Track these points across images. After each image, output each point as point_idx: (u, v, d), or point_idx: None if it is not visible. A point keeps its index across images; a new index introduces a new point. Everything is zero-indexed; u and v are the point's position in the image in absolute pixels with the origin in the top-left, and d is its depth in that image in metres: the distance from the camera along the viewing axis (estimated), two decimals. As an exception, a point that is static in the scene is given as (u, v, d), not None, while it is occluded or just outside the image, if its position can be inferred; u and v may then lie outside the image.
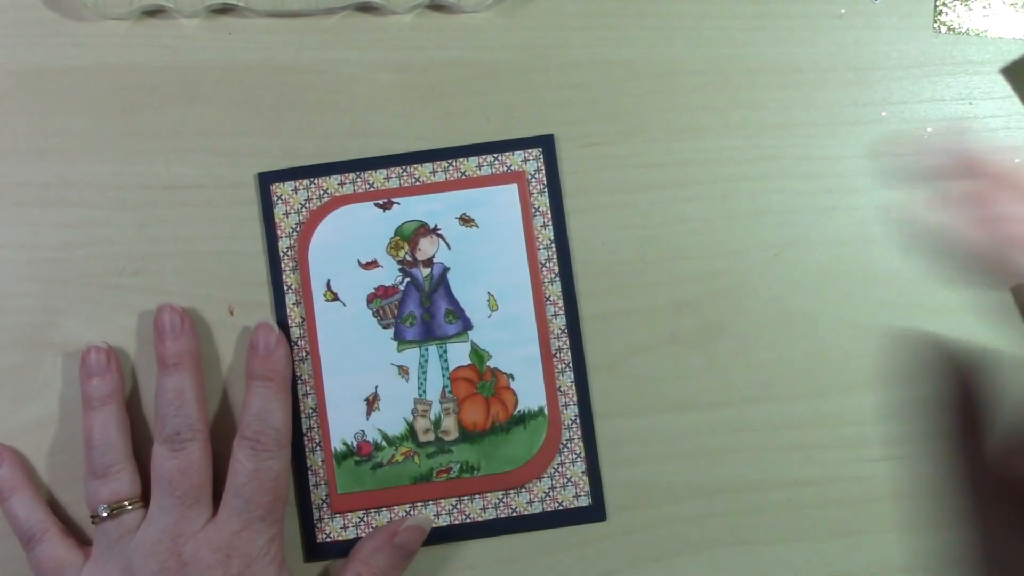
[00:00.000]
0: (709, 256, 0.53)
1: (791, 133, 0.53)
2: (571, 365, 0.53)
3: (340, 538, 0.52)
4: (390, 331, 0.52)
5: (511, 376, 0.52)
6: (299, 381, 0.53)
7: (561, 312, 0.53)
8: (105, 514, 0.49)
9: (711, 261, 0.53)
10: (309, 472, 0.53)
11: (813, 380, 0.52)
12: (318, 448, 0.52)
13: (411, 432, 0.52)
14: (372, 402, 0.52)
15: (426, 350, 0.52)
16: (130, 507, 0.49)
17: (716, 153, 0.53)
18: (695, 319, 0.53)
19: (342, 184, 0.53)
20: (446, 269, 0.52)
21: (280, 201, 0.53)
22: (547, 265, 0.53)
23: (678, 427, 0.52)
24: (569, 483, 0.52)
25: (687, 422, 0.52)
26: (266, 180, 0.53)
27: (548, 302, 0.53)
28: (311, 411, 0.53)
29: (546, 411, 0.52)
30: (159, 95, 0.54)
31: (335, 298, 0.52)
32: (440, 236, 0.52)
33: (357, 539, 0.52)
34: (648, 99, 0.53)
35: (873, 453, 0.52)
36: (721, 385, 0.53)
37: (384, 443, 0.52)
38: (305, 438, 0.53)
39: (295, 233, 0.53)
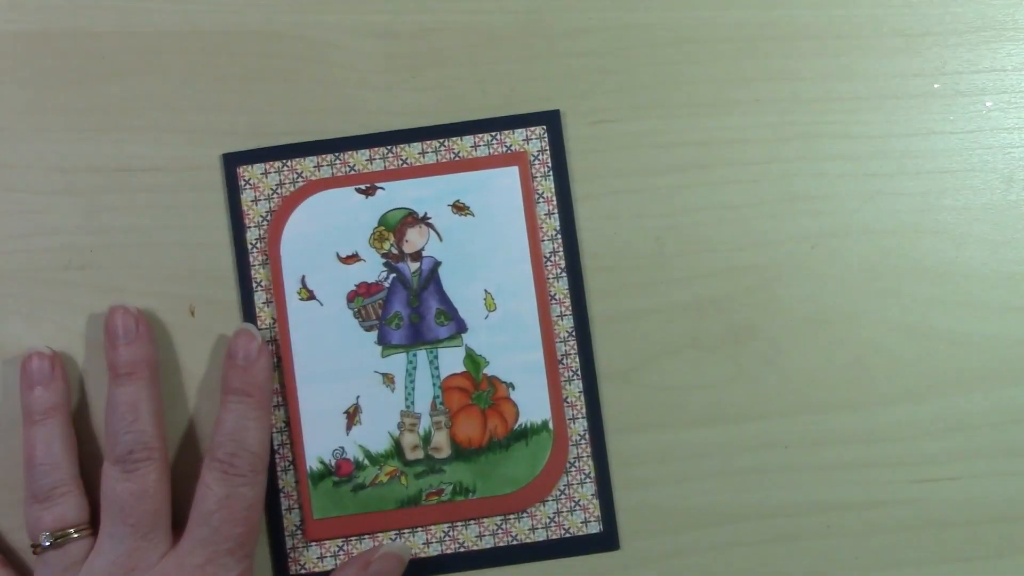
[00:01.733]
0: (736, 249, 0.50)
1: (830, 108, 0.51)
2: (579, 372, 0.50)
3: (316, 569, 0.49)
4: (374, 334, 0.49)
5: (511, 385, 0.49)
6: None
7: (568, 312, 0.50)
8: (48, 543, 0.46)
9: (738, 254, 0.50)
10: (281, 495, 0.50)
11: (855, 390, 0.50)
12: (291, 467, 0.50)
13: (397, 449, 0.49)
14: (353, 415, 0.49)
15: (414, 356, 0.49)
16: (76, 535, 0.46)
17: (745, 131, 0.51)
18: (720, 321, 0.50)
19: (319, 167, 0.50)
20: (437, 263, 0.50)
21: (248, 186, 0.50)
22: (552, 259, 0.50)
23: (700, 444, 0.50)
24: (577, 507, 0.49)
25: (711, 438, 0.50)
26: (232, 162, 0.50)
27: (553, 301, 0.50)
28: (283, 425, 0.50)
29: (551, 425, 0.49)
30: (110, 65, 0.51)
31: (311, 296, 0.49)
32: (430, 226, 0.50)
33: (332, 571, 0.49)
34: (667, 69, 0.51)
35: (924, 473, 0.50)
36: (750, 396, 0.50)
37: (366, 461, 0.49)
38: (276, 456, 0.50)
39: (265, 223, 0.50)
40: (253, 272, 0.50)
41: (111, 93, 0.51)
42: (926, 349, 0.50)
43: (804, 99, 0.51)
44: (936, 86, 0.51)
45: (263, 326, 0.50)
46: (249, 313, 0.50)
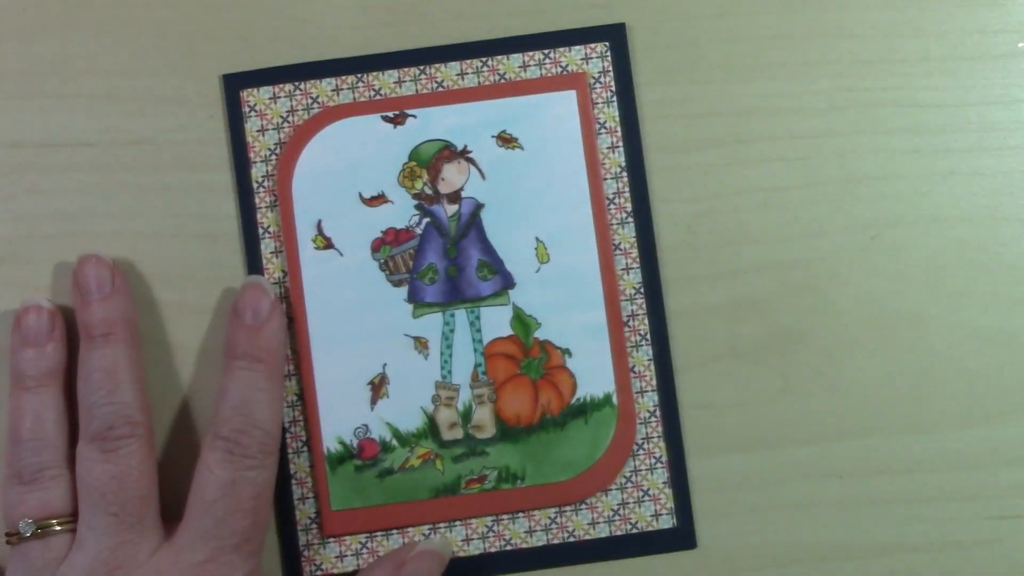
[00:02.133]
0: (781, 239, 0.49)
1: (894, 71, 0.49)
2: (649, 336, 0.48)
3: (335, 571, 0.48)
4: (403, 290, 0.48)
5: (567, 351, 0.48)
6: None
7: (636, 264, 0.48)
8: (28, 533, 0.44)
9: (784, 247, 0.49)
10: (293, 482, 0.48)
11: (923, 408, 0.49)
12: (304, 449, 0.48)
13: (432, 427, 0.48)
14: (379, 387, 0.48)
15: (452, 316, 0.48)
16: (59, 527, 0.45)
17: (792, 99, 0.49)
18: (762, 325, 0.49)
19: (338, 90, 0.49)
20: (479, 206, 0.48)
21: (254, 113, 0.49)
22: (616, 201, 0.49)
23: (737, 472, 0.48)
24: (647, 497, 0.48)
25: (751, 465, 0.48)
26: (235, 84, 0.48)
27: (618, 251, 0.48)
28: (295, 399, 0.48)
29: (615, 399, 0.48)
30: (32, 19, 0.50)
31: (328, 245, 0.48)
32: (471, 161, 0.48)
33: (357, 573, 0.48)
34: (698, 25, 0.49)
35: (1005, 508, 0.48)
36: (798, 415, 0.49)
37: (395, 442, 0.48)
38: (288, 435, 0.48)
39: (274, 157, 0.49)
40: (259, 216, 0.49)
41: (34, 54, 0.50)
42: (1006, 360, 0.49)
43: (863, 60, 0.50)
44: (1021, 45, 0.50)
45: (272, 281, 0.49)
46: (255, 265, 0.49)
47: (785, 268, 0.49)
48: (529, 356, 0.48)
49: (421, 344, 0.48)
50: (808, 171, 0.49)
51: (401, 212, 0.49)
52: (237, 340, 0.46)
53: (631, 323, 0.48)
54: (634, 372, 0.48)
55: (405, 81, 0.49)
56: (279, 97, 0.49)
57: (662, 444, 0.48)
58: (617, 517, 0.48)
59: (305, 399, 0.48)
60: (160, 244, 0.49)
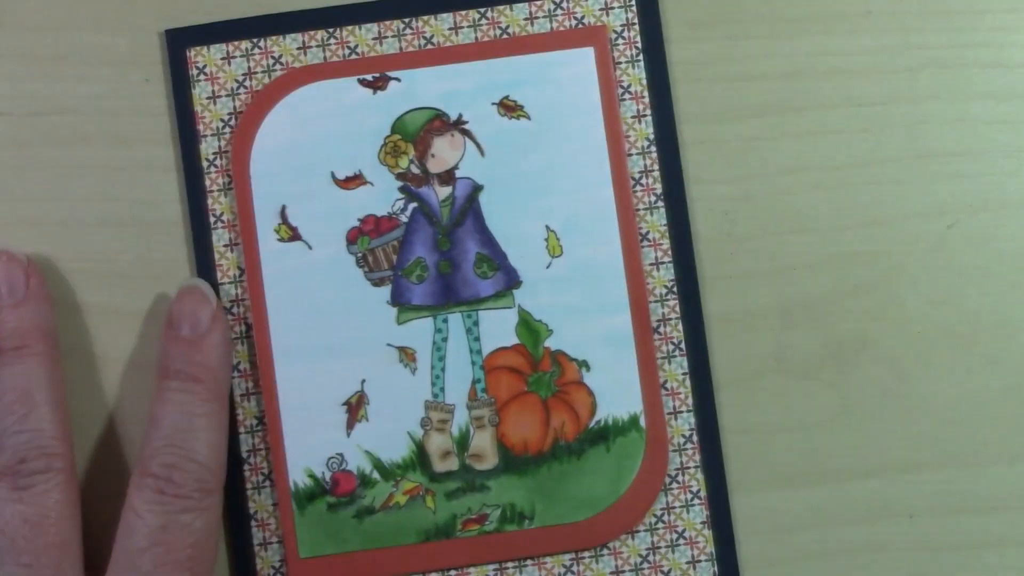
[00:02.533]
0: (838, 228, 0.47)
1: (977, 24, 0.47)
2: (683, 346, 0.46)
3: None
4: (386, 290, 0.46)
5: (585, 364, 0.46)
6: (236, 373, 0.47)
7: (667, 258, 0.46)
8: None
9: (842, 236, 0.47)
10: (253, 523, 0.46)
11: (1010, 433, 0.46)
12: (267, 484, 0.46)
13: (421, 457, 0.46)
14: (356, 407, 0.46)
15: (444, 322, 0.46)
16: None
17: (851, 58, 0.47)
18: (815, 333, 0.47)
19: (305, 48, 0.47)
20: (477, 188, 0.47)
21: (204, 76, 0.47)
22: (643, 182, 0.46)
23: (789, 511, 0.46)
24: (681, 540, 0.46)
25: (805, 503, 0.46)
26: (179, 42, 0.47)
27: (646, 242, 0.46)
28: (254, 424, 0.46)
29: (642, 422, 0.46)
30: None
31: (294, 236, 0.46)
32: (466, 133, 0.47)
33: None
34: None
35: None
36: (860, 441, 0.47)
37: (376, 475, 0.46)
38: (247, 467, 0.46)
39: (228, 129, 0.47)
40: (210, 201, 0.47)
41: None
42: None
43: (939, 11, 0.48)
44: None
45: (226, 279, 0.47)
46: (204, 261, 0.47)
47: (844, 263, 0.47)
48: (538, 370, 0.46)
49: (407, 355, 0.46)
50: (871, 146, 0.48)
51: (382, 196, 0.47)
52: (171, 356, 0.44)
53: (662, 330, 0.46)
54: (666, 389, 0.46)
55: (387, 37, 0.47)
56: (234, 57, 0.47)
57: (700, 476, 0.46)
58: (646, 565, 0.46)
59: (267, 423, 0.46)
60: (86, 236, 0.47)
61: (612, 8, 0.46)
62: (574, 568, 0.45)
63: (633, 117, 0.46)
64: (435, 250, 0.46)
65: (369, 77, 0.46)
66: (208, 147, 0.46)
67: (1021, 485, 0.47)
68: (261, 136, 0.46)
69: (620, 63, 0.47)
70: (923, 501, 0.47)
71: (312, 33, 0.46)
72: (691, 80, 0.47)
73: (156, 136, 0.47)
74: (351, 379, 0.46)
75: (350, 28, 0.46)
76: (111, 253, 0.47)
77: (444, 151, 0.46)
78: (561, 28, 0.46)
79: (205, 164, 0.47)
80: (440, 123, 0.46)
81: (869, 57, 0.48)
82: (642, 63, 0.47)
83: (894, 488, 0.47)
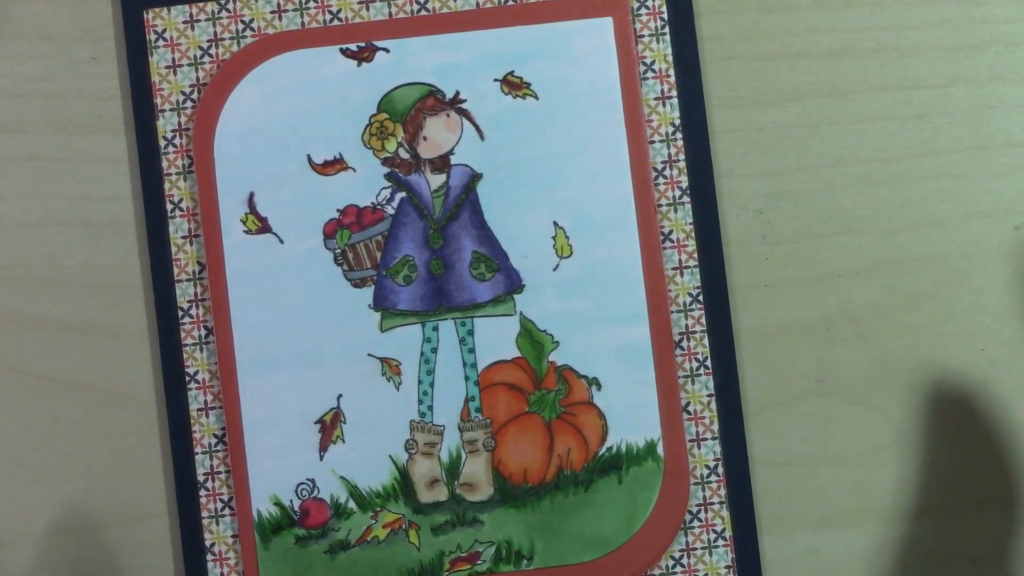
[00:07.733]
0: (890, 231, 0.45)
1: None
2: (710, 363, 0.44)
3: None
4: (368, 291, 0.44)
5: (595, 382, 0.44)
6: (191, 384, 0.45)
7: (692, 262, 0.44)
8: None
9: (893, 239, 0.45)
10: (209, 557, 0.44)
11: None
12: (226, 512, 0.44)
13: (404, 485, 0.44)
14: (331, 427, 0.44)
15: (434, 330, 0.44)
16: None
17: (904, 34, 0.45)
18: (864, 350, 0.45)
19: (279, 12, 0.45)
20: (475, 177, 0.44)
21: (163, 43, 0.45)
22: (667, 173, 0.44)
23: (829, 554, 0.44)
24: None
25: (847, 545, 0.44)
26: (135, 3, 0.45)
27: (669, 243, 0.44)
28: (213, 443, 0.44)
29: (660, 450, 0.43)
30: None
31: (263, 228, 0.44)
32: (463, 113, 0.44)
33: None
34: None
35: None
36: (913, 475, 0.45)
37: (352, 504, 0.44)
38: (202, 493, 0.44)
39: (190, 104, 0.45)
40: (167, 187, 0.44)
41: None
42: None
43: None
44: None
45: (183, 276, 0.44)
46: (160, 257, 0.44)
47: (895, 270, 0.45)
48: (542, 388, 0.44)
49: (391, 368, 0.44)
50: (927, 134, 0.45)
51: (366, 184, 0.44)
52: None
53: (685, 344, 0.44)
54: (688, 413, 0.44)
55: (374, 1, 0.44)
56: (198, 20, 0.45)
57: (725, 513, 0.44)
58: (663, 614, 0.42)
59: (228, 443, 0.43)
60: (21, 237, 0.45)
61: (634, -26, 0.43)
62: (580, 617, 0.42)
63: (656, 99, 0.44)
64: (425, 247, 0.44)
65: (353, 47, 0.44)
66: (166, 123, 0.44)
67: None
68: (227, 112, 0.44)
69: (643, 36, 0.44)
70: (986, 544, 0.44)
71: (288, -5, 0.42)
72: (722, 58, 0.45)
73: (106, 116, 0.45)
74: (325, 394, 0.43)
75: (332, -10, 0.43)
76: (51, 255, 0.44)
77: (438, 133, 0.44)
78: (575, -5, 0.42)
79: (162, 143, 0.44)
80: (434, 101, 0.44)
81: (925, 32, 0.45)
82: (667, 37, 0.44)
83: (953, 529, 0.45)
